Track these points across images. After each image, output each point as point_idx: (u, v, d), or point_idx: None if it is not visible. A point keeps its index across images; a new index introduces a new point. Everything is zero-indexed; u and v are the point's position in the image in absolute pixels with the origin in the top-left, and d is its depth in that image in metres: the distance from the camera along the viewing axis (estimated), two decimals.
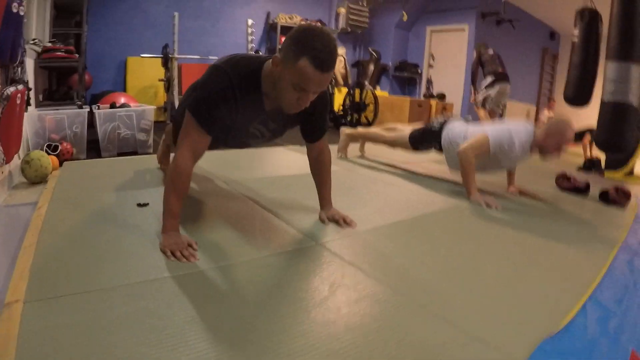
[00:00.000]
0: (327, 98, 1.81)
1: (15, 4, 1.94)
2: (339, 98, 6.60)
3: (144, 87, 5.79)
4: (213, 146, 1.82)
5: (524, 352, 1.03)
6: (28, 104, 2.55)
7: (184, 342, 0.97)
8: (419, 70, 8.33)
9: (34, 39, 3.55)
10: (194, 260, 1.37)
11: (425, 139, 2.96)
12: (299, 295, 1.24)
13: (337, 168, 3.24)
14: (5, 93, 2.00)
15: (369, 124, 5.70)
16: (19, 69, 2.35)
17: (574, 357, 1.07)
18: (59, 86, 4.35)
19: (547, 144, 2.45)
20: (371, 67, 7.74)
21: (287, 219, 1.88)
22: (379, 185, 2.78)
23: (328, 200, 1.92)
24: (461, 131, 2.77)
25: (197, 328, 1.03)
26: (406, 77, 8.51)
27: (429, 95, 7.66)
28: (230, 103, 1.48)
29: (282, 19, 6.93)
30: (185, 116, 1.52)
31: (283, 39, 6.74)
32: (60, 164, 2.88)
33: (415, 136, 3.02)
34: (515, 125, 2.55)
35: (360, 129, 3.57)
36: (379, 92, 7.50)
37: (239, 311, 1.12)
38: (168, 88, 5.32)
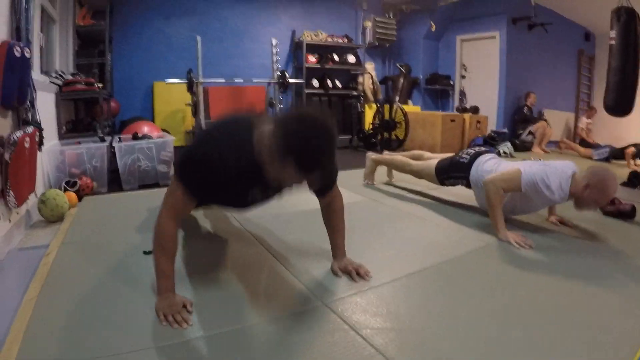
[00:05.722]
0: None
1: (17, 48, 1.89)
2: (369, 116, 6.42)
3: (171, 111, 5.83)
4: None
5: None
6: (41, 143, 2.51)
7: None
8: (451, 82, 8.08)
9: (56, 72, 3.57)
10: (185, 327, 1.32)
11: (453, 171, 2.74)
12: None
13: (362, 198, 3.09)
14: (12, 138, 1.95)
15: (400, 142, 5.50)
16: (30, 109, 2.32)
17: None
18: (84, 117, 4.37)
19: (585, 196, 2.15)
20: (401, 81, 7.55)
21: (296, 269, 1.78)
22: (403, 220, 2.58)
23: (341, 249, 1.78)
24: (493, 164, 2.54)
25: None
26: (438, 90, 8.27)
27: (462, 109, 7.40)
28: (220, 174, 1.38)
29: (308, 37, 6.84)
30: (172, 177, 1.50)
31: (309, 57, 6.57)
32: (80, 199, 2.86)
33: (442, 167, 2.80)
34: (554, 167, 2.25)
35: (387, 156, 3.40)
36: (410, 107, 7.30)
37: None
38: (195, 112, 5.31)
